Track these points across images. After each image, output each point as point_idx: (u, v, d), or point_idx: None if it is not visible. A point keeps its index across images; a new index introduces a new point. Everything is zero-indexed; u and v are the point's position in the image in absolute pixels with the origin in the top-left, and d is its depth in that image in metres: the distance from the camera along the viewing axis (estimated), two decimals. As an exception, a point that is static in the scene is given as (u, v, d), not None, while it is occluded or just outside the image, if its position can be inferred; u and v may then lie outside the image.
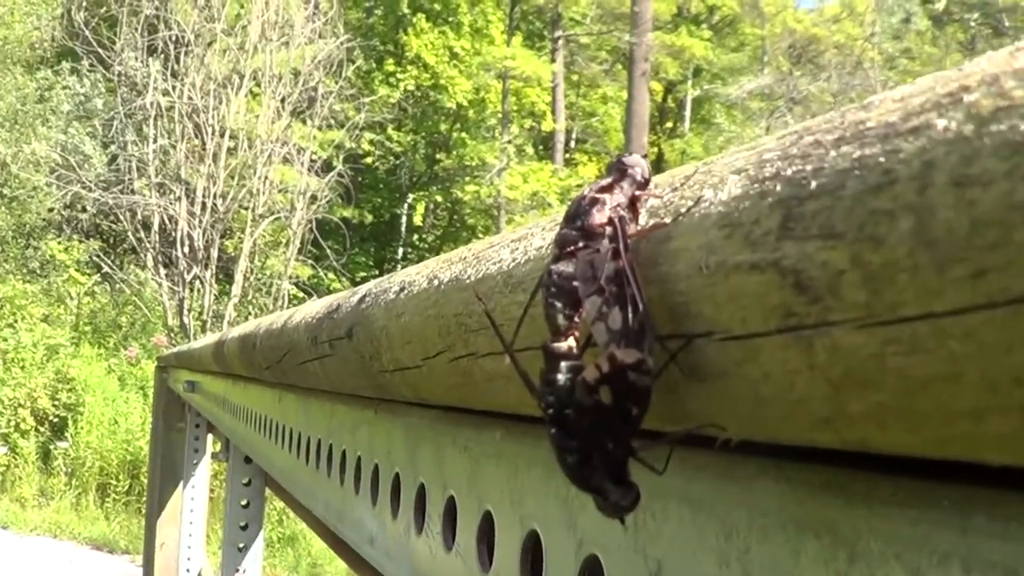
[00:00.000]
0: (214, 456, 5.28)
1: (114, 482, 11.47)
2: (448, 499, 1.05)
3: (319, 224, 16.30)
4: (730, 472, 0.58)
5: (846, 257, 0.37)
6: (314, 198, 16.03)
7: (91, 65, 16.26)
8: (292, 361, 1.65)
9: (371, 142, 19.70)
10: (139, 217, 15.10)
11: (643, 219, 0.57)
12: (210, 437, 5.33)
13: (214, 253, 14.77)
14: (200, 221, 14.69)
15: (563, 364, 0.54)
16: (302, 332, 1.53)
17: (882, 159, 0.36)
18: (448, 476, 1.07)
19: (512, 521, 0.88)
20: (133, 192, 15.10)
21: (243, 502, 4.15)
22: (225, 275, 15.55)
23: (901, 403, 0.36)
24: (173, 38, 15.32)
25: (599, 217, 0.55)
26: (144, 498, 8.04)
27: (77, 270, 15.84)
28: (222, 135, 14.97)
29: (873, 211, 0.35)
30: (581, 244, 0.55)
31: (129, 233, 15.19)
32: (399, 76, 20.31)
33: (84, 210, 15.92)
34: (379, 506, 1.34)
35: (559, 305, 0.55)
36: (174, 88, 15.14)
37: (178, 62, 15.25)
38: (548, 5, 22.68)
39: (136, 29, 15.61)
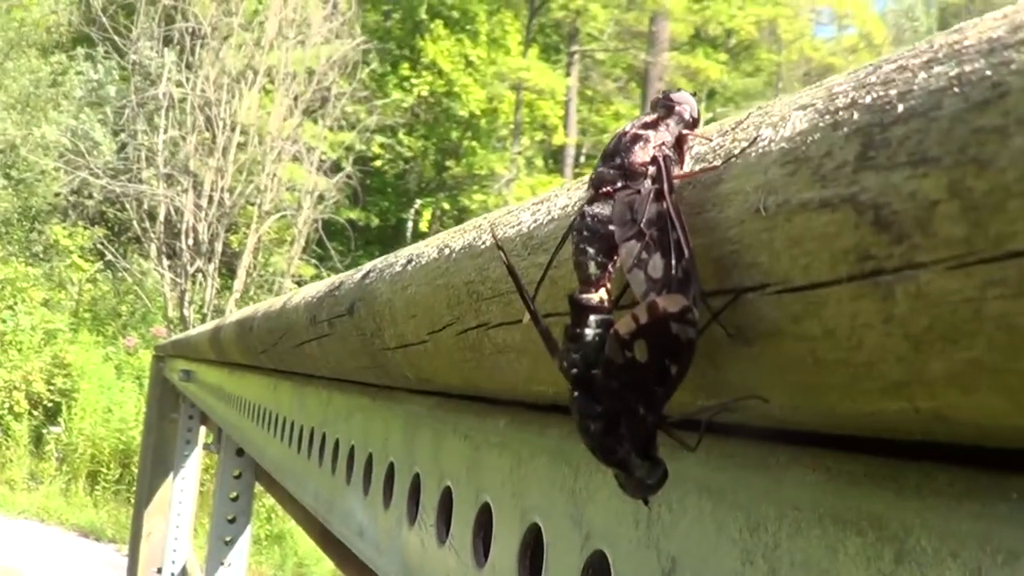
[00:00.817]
0: (206, 447, 5.27)
1: (105, 470, 11.47)
2: (444, 490, 1.01)
3: (325, 224, 16.31)
4: (758, 460, 0.53)
5: (942, 185, 0.31)
6: (321, 198, 16.05)
7: (106, 52, 16.27)
8: (289, 343, 1.61)
9: (381, 145, 19.69)
10: (145, 207, 15.11)
11: (688, 165, 0.51)
12: (203, 429, 5.31)
13: (218, 247, 14.76)
14: (206, 214, 14.69)
15: (592, 318, 0.49)
16: (301, 312, 1.48)
17: (988, 72, 0.31)
18: (445, 466, 1.02)
19: (512, 514, 0.84)
20: (141, 181, 15.10)
21: (232, 495, 4.13)
22: (228, 270, 15.55)
23: (998, 359, 0.31)
24: (189, 30, 15.33)
25: (642, 155, 0.50)
26: (134, 488, 8.02)
27: (80, 256, 15.83)
28: (233, 130, 14.97)
29: (977, 130, 0.30)
30: (620, 184, 0.50)
31: (134, 222, 15.18)
32: (413, 81, 20.29)
33: (90, 197, 15.91)
34: (371, 496, 1.29)
35: (591, 251, 0.50)
36: (188, 80, 15.14)
37: (193, 54, 15.26)
38: (566, 19, 22.69)
39: (153, 19, 15.63)
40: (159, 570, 5.48)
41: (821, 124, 0.39)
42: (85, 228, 16.14)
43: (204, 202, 14.73)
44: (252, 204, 15.27)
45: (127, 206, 15.36)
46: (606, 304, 0.49)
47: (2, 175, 15.75)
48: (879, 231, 0.34)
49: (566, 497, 0.73)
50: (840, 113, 0.38)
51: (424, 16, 20.89)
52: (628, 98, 23.95)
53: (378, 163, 19.86)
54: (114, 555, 9.42)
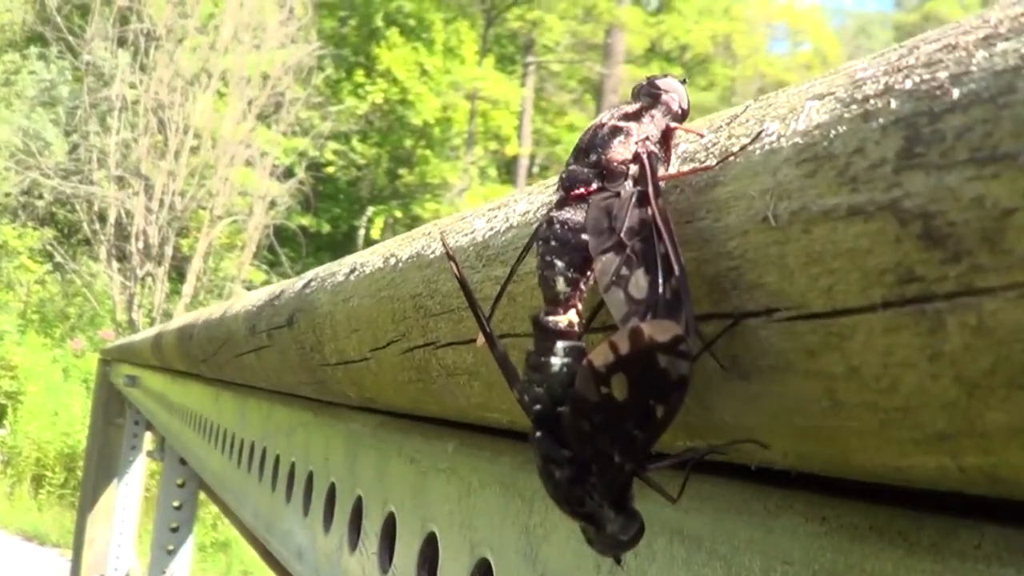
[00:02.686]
0: (149, 455, 5.21)
1: (50, 474, 11.40)
2: (388, 516, 0.95)
3: (276, 230, 16.30)
4: (742, 505, 0.46)
5: (1019, 188, 0.25)
6: (273, 203, 16.03)
7: (59, 52, 16.17)
8: (228, 353, 1.54)
9: (335, 152, 19.66)
10: (96, 209, 15.04)
11: (675, 165, 0.44)
12: (148, 435, 5.25)
13: (168, 251, 14.71)
14: (157, 217, 14.62)
15: (560, 344, 0.41)
16: (240, 321, 1.42)
17: (1077, 47, 0.24)
18: (389, 490, 0.96)
19: (460, 546, 0.77)
20: (92, 183, 15.02)
21: (175, 504, 4.09)
22: (178, 274, 15.51)
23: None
24: (144, 31, 15.26)
25: (622, 151, 0.43)
26: (79, 492, 7.95)
27: (29, 257, 15.73)
28: (186, 133, 14.93)
29: (1069, 117, 0.24)
30: (595, 185, 0.43)
31: (84, 224, 15.10)
32: (368, 88, 20.26)
33: (41, 197, 15.81)
34: (311, 517, 1.23)
35: (560, 265, 0.42)
36: (141, 82, 15.08)
37: (147, 56, 15.20)
38: (522, 30, 22.73)
39: (108, 19, 15.54)
40: (101, 576, 5.43)
41: (846, 115, 0.32)
42: (35, 229, 16.03)
43: (155, 205, 14.66)
44: (204, 208, 15.24)
45: (77, 208, 15.29)
46: (576, 328, 0.42)
47: (-49, 174, 15.67)
48: (929, 246, 0.27)
49: (519, 532, 0.67)
50: (872, 101, 0.31)
51: (380, 23, 20.89)
52: (583, 110, 24.02)
53: (331, 169, 19.83)
54: (58, 559, 9.34)
